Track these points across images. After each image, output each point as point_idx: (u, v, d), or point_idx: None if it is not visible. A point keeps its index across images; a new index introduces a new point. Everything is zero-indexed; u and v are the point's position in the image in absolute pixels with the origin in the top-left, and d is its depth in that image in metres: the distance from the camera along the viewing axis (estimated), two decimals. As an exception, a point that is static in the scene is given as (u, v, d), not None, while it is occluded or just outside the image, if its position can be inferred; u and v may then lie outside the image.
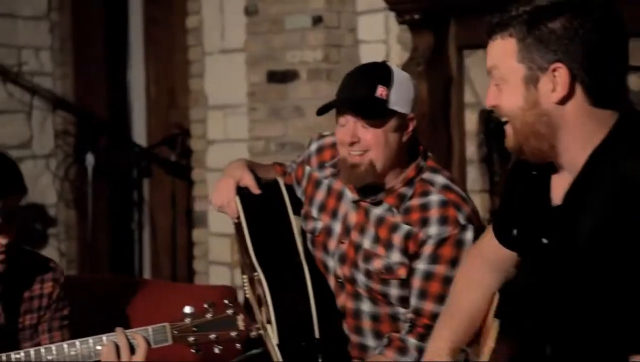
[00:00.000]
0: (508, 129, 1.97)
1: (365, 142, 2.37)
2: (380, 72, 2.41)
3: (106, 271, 5.34)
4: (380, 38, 4.27)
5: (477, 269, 2.15)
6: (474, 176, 3.85)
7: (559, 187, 1.91)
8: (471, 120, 3.86)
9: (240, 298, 3.01)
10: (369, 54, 4.33)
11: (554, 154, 1.90)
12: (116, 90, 5.64)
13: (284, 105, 4.42)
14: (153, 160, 5.52)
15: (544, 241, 1.90)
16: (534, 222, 1.95)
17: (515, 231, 2.01)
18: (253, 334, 2.28)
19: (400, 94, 2.38)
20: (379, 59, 4.25)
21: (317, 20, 4.27)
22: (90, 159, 5.02)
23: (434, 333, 2.14)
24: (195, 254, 5.04)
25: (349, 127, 2.39)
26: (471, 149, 3.87)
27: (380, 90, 2.36)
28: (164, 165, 5.40)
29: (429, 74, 3.77)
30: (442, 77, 3.81)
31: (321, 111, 2.45)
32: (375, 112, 2.36)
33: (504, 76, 1.90)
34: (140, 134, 5.61)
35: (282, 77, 4.40)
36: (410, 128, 2.42)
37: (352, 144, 2.38)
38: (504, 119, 1.97)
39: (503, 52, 1.89)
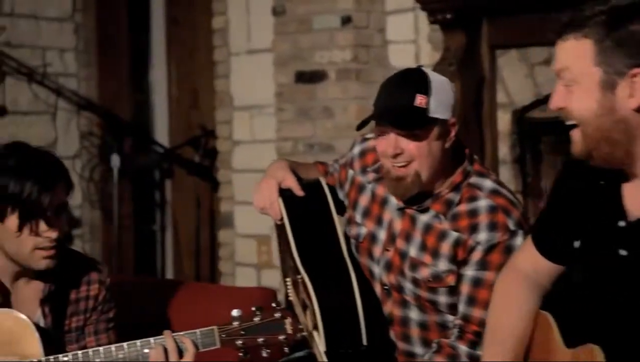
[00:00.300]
0: (575, 134, 1.90)
1: (408, 153, 2.32)
2: (417, 80, 2.35)
3: (131, 272, 5.32)
4: (410, 38, 4.25)
5: (514, 286, 2.07)
6: (506, 177, 3.81)
7: (635, 196, 1.84)
8: (504, 121, 3.84)
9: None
10: (398, 54, 4.32)
11: (629, 161, 1.83)
12: (139, 92, 5.63)
13: (312, 106, 4.40)
14: (176, 161, 5.51)
15: (622, 253, 1.83)
16: (604, 234, 1.87)
17: (577, 243, 1.93)
18: (298, 336, 2.27)
19: (439, 100, 2.33)
20: (409, 59, 4.30)
21: (346, 20, 4.25)
22: (115, 160, 5.01)
23: (484, 354, 2.10)
24: (221, 256, 5.03)
25: (390, 138, 2.34)
26: (504, 150, 3.84)
27: (420, 100, 2.30)
28: (187, 166, 5.38)
29: (461, 74, 3.74)
30: (474, 77, 3.79)
31: (361, 126, 2.40)
32: (416, 123, 2.30)
33: (577, 78, 1.83)
34: (162, 135, 5.59)
35: (310, 77, 4.38)
36: (452, 133, 2.37)
37: (395, 156, 2.33)
38: (569, 122, 1.91)
39: (576, 53, 1.83)
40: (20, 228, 2.24)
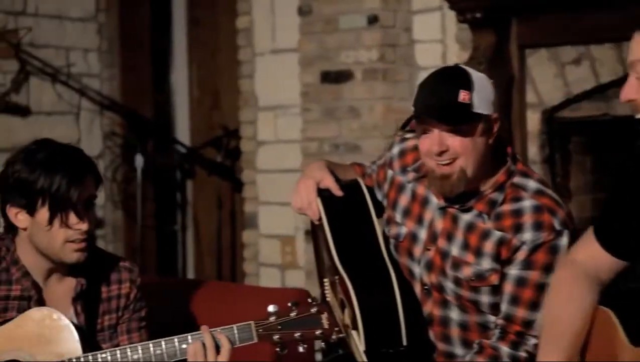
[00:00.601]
0: None
1: (453, 150, 2.30)
2: (459, 76, 2.34)
3: (154, 272, 5.32)
4: (437, 37, 4.22)
5: (573, 281, 2.05)
6: (535, 177, 3.80)
7: None
8: (533, 121, 3.81)
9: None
10: (424, 54, 4.29)
11: None
12: (160, 92, 5.63)
13: (338, 106, 4.37)
14: (197, 161, 5.51)
15: None
16: None
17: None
18: (333, 337, 2.25)
19: (481, 96, 2.31)
20: (435, 59, 4.28)
21: (373, 20, 4.23)
22: (139, 160, 5.01)
23: (540, 350, 2.08)
24: (245, 256, 5.01)
25: (434, 136, 2.31)
26: (533, 150, 3.81)
27: (463, 95, 2.28)
28: (209, 166, 5.37)
29: (490, 73, 3.63)
30: (503, 76, 3.75)
31: (405, 125, 2.39)
32: (461, 118, 2.29)
33: None
34: (183, 136, 5.59)
35: (336, 77, 4.35)
36: (495, 129, 2.35)
37: (440, 153, 2.31)
38: (638, 116, 1.89)
39: None
40: (50, 221, 2.25)
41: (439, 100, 2.31)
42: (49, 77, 5.00)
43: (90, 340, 2.34)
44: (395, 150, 2.57)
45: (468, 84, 2.30)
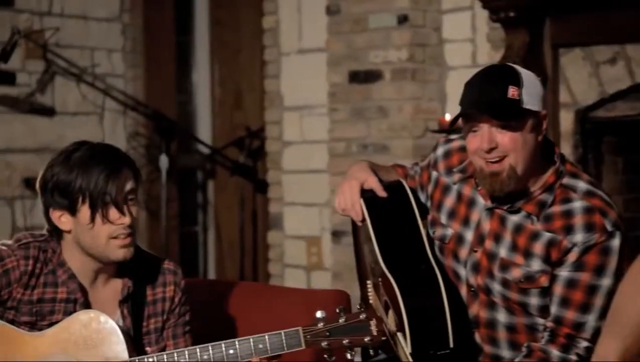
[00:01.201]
0: None
1: (503, 147, 2.26)
2: (507, 73, 2.30)
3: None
4: (467, 37, 4.19)
5: None
6: (568, 177, 3.76)
7: None
8: (567, 121, 3.77)
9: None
10: (454, 54, 4.26)
11: None
12: (182, 93, 5.61)
13: (367, 106, 4.34)
14: (220, 162, 5.48)
15: None
16: None
17: None
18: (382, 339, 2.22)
19: (530, 92, 2.28)
20: (465, 59, 4.25)
21: (403, 19, 4.20)
22: (164, 161, 4.97)
23: (600, 337, 2.04)
24: (270, 257, 4.98)
25: (484, 133, 2.27)
26: (566, 150, 3.77)
27: (512, 91, 2.25)
28: (231, 167, 5.35)
29: None
30: (537, 76, 3.72)
31: (453, 122, 2.33)
32: (511, 114, 2.25)
33: None
34: (205, 137, 5.56)
35: (364, 77, 4.33)
36: (544, 126, 2.32)
37: (490, 150, 2.26)
38: None
39: None
40: (92, 219, 2.24)
41: (488, 97, 2.26)
42: (73, 77, 4.97)
43: (136, 343, 2.31)
44: (440, 151, 2.53)
45: (517, 81, 2.27)
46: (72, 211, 2.25)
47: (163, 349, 2.34)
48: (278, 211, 4.90)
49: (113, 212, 2.25)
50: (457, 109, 4.23)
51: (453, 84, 4.26)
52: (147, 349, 2.34)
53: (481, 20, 4.08)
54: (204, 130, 5.62)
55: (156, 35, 5.36)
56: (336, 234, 4.51)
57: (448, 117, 4.16)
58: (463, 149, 2.44)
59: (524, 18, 3.69)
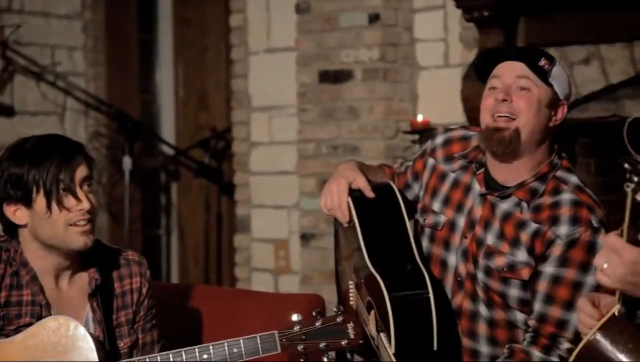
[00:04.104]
0: None
1: (517, 105, 2.31)
2: (542, 51, 2.42)
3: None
4: (439, 36, 4.19)
5: None
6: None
7: None
8: (541, 121, 3.79)
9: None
10: (426, 53, 4.26)
11: None
12: (145, 93, 5.56)
13: (337, 107, 4.33)
14: (184, 163, 5.44)
15: None
16: None
17: None
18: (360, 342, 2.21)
19: (559, 77, 2.36)
20: (437, 58, 4.25)
21: (374, 18, 4.19)
22: (127, 162, 4.92)
23: None
24: (237, 261, 4.94)
25: (504, 86, 2.32)
26: (540, 151, 3.79)
27: (544, 62, 2.33)
28: (196, 168, 5.31)
29: None
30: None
31: (482, 60, 2.45)
32: (537, 70, 2.31)
33: None
34: (168, 137, 5.52)
35: (335, 77, 4.31)
36: (560, 115, 2.36)
37: (503, 101, 2.31)
38: None
39: None
40: (48, 207, 2.22)
41: (521, 52, 2.41)
42: (33, 75, 4.91)
43: (108, 335, 2.29)
44: (439, 139, 2.55)
45: (550, 59, 2.36)
46: (27, 202, 2.23)
47: (135, 342, 2.33)
48: (245, 214, 4.87)
49: (69, 199, 2.23)
50: (428, 110, 4.29)
51: (425, 84, 4.27)
52: (119, 342, 2.32)
53: (454, 19, 4.09)
54: (168, 131, 5.57)
55: (119, 33, 5.30)
56: (305, 237, 4.49)
57: (420, 117, 4.16)
58: (464, 138, 2.49)
59: (497, 18, 3.70)
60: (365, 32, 4.21)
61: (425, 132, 4.09)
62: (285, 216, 4.70)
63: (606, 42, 3.62)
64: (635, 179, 1.58)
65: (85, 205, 2.24)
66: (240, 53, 4.79)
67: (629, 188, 1.61)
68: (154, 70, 5.60)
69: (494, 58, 2.39)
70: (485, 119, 2.36)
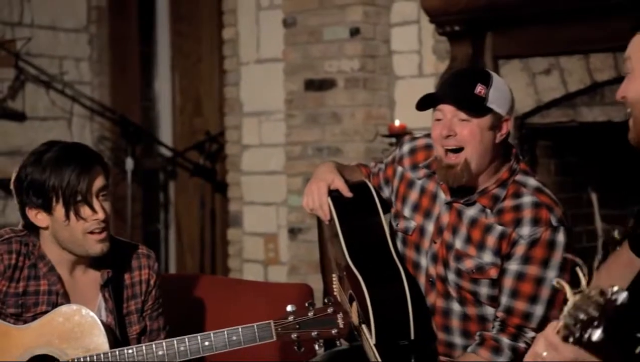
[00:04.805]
0: (630, 122, 1.88)
1: (461, 137, 2.26)
2: (479, 74, 2.35)
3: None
4: (414, 49, 4.20)
5: (627, 253, 2.05)
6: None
7: None
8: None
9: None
10: (402, 64, 4.27)
11: None
12: (146, 99, 5.55)
13: (321, 112, 4.32)
14: (181, 164, 5.43)
15: None
16: None
17: None
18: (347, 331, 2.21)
19: (497, 95, 2.28)
20: (412, 69, 4.26)
21: (355, 32, 4.19)
22: (129, 163, 4.92)
23: None
24: (229, 253, 4.94)
25: (446, 121, 2.28)
26: (506, 153, 3.81)
27: (480, 89, 2.26)
28: (192, 168, 5.30)
29: None
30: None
31: (420, 105, 2.31)
32: (473, 107, 2.26)
33: (634, 66, 1.84)
34: (166, 140, 5.51)
35: (319, 85, 4.31)
36: (505, 130, 2.31)
37: (447, 136, 2.27)
38: (628, 110, 1.89)
39: (637, 45, 1.84)
40: (67, 216, 2.20)
41: (457, 90, 2.30)
42: (43, 84, 4.89)
43: (119, 323, 2.29)
44: (406, 148, 2.52)
45: (487, 81, 2.28)
46: (48, 209, 2.22)
47: (144, 329, 2.33)
48: (237, 210, 4.86)
49: (85, 210, 2.21)
50: (405, 115, 4.29)
51: (401, 92, 4.28)
52: (129, 329, 2.32)
53: (427, 33, 4.09)
54: (166, 134, 5.56)
55: (121, 46, 5.29)
56: (292, 231, 4.49)
57: (397, 122, 4.17)
58: (428, 147, 2.45)
59: (467, 32, 3.71)
60: (346, 44, 4.21)
61: (401, 135, 4.09)
62: (274, 211, 4.70)
63: (565, 54, 3.64)
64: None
65: (101, 215, 2.22)
66: (233, 63, 4.79)
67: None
68: (153, 79, 5.58)
69: (431, 102, 2.32)
70: (437, 150, 2.33)
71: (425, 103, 2.32)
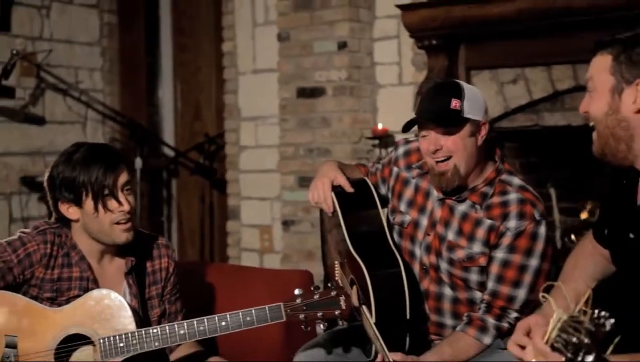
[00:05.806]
0: (593, 135, 1.88)
1: (447, 149, 2.26)
2: (452, 88, 2.31)
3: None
4: (394, 60, 4.18)
5: (586, 242, 2.05)
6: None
7: None
8: (478, 129, 3.79)
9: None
10: (384, 74, 4.25)
11: (632, 157, 1.83)
12: (151, 105, 5.51)
13: (312, 117, 4.30)
14: (182, 163, 5.39)
15: (631, 236, 1.82)
16: (621, 221, 1.86)
17: (606, 231, 1.92)
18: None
19: (471, 104, 2.27)
20: (393, 78, 4.24)
21: (342, 45, 4.16)
22: (138, 162, 4.86)
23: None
24: (229, 242, 4.90)
25: (431, 137, 2.28)
26: (477, 153, 3.79)
27: (455, 103, 2.25)
28: (192, 167, 5.26)
29: None
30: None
31: (406, 128, 2.30)
32: (452, 122, 2.25)
33: (596, 86, 1.83)
34: (169, 142, 5.46)
35: (310, 93, 4.28)
36: (484, 132, 2.30)
37: (435, 151, 2.26)
38: (591, 124, 1.88)
39: (599, 65, 1.82)
40: (95, 208, 2.19)
41: (435, 108, 2.27)
42: (61, 92, 4.84)
43: (141, 306, 2.27)
44: (400, 150, 2.52)
45: (459, 94, 2.26)
46: (78, 203, 2.20)
47: (164, 311, 2.33)
48: (236, 204, 4.83)
49: (112, 202, 2.20)
50: (386, 120, 4.27)
51: (383, 99, 4.25)
52: (151, 312, 2.32)
53: (406, 47, 4.07)
54: (169, 136, 5.51)
55: (130, 57, 5.26)
56: (285, 223, 4.46)
57: (380, 126, 4.15)
58: (420, 150, 2.42)
59: (443, 46, 3.68)
60: (335, 56, 4.18)
61: (384, 138, 4.08)
62: (269, 206, 4.67)
63: (530, 66, 3.63)
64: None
65: (126, 207, 2.21)
66: (231, 73, 4.74)
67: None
68: (157, 87, 5.53)
69: (415, 123, 2.32)
70: (428, 161, 2.32)
71: (410, 124, 2.30)
